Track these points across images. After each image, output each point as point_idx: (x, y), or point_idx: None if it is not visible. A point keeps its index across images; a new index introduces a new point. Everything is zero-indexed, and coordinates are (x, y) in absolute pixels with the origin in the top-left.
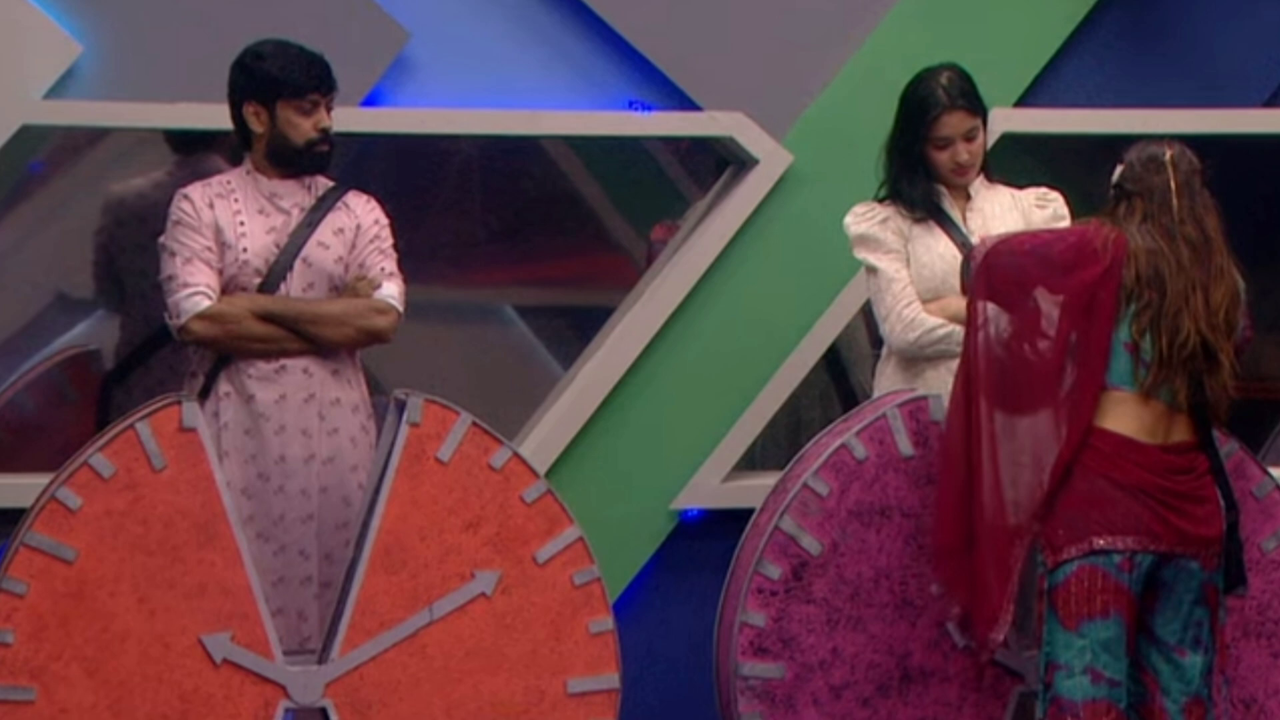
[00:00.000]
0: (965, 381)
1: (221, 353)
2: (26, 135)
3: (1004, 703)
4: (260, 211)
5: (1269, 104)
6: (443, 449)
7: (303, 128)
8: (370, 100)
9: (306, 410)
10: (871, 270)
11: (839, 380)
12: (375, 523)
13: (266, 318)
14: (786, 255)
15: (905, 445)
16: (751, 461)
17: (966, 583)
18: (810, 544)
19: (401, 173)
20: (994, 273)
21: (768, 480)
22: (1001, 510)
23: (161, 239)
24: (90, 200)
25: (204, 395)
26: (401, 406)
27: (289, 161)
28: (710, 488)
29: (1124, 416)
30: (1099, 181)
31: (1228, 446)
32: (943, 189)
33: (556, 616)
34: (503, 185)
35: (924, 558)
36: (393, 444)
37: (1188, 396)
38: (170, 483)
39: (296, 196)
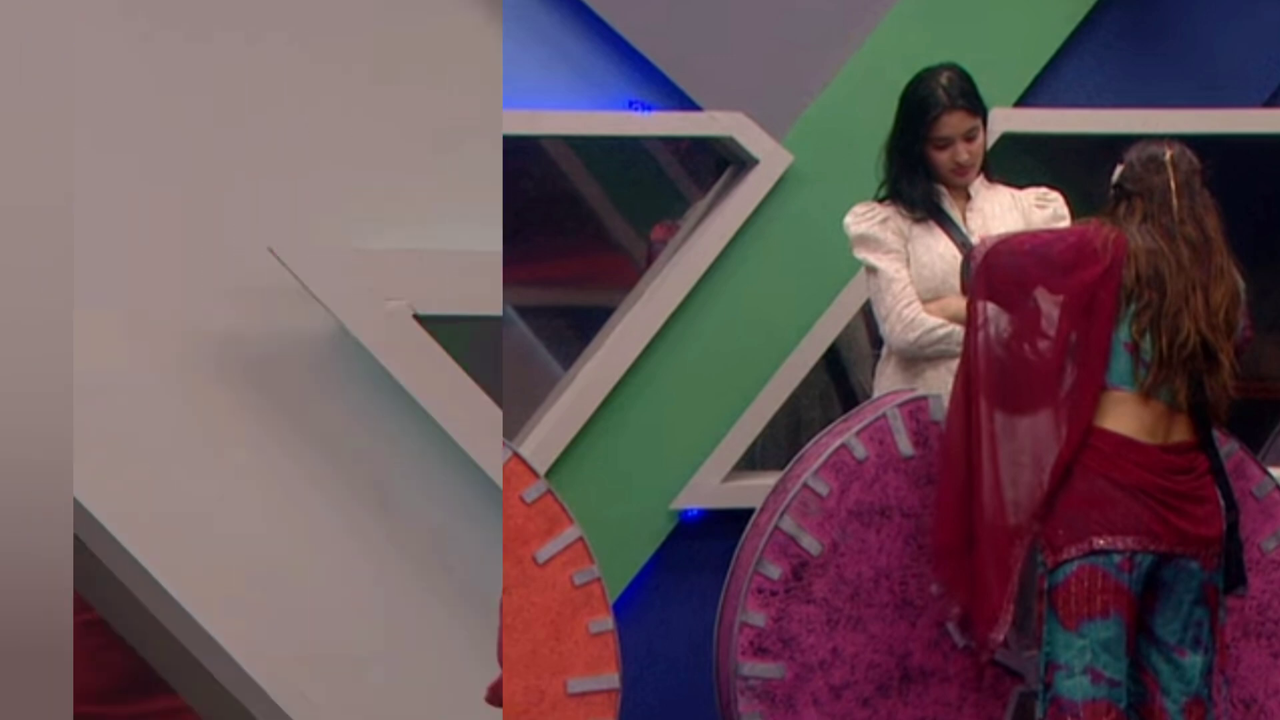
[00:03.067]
0: (965, 381)
1: None
2: None
3: (1004, 703)
4: None
5: (1269, 104)
6: None
7: None
8: None
9: None
10: (871, 270)
11: (839, 380)
12: None
13: None
14: (786, 255)
15: (905, 445)
16: (751, 461)
17: (966, 583)
18: (810, 544)
19: None
20: (994, 273)
21: (768, 480)
22: (1001, 510)
23: None
24: None
25: None
26: None
27: None
28: (710, 488)
29: (1124, 416)
30: (1099, 181)
31: (1228, 446)
32: (943, 189)
33: (556, 616)
34: (502, 185)
35: (924, 558)
36: None
37: (1188, 396)
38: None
39: None
